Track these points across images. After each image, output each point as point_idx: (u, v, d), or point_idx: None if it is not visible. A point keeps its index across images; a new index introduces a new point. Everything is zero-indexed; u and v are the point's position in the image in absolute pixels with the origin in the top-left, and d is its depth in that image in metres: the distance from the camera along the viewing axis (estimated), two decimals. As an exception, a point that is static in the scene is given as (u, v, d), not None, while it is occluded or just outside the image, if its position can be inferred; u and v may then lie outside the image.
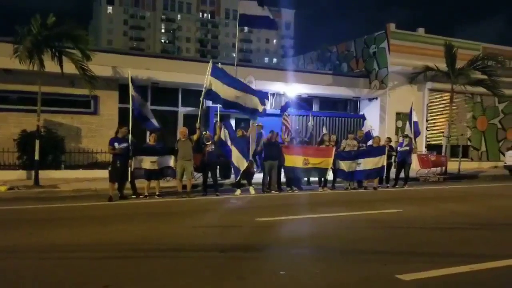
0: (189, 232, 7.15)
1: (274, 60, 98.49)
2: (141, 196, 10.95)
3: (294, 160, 12.63)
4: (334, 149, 12.88)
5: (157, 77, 15.95)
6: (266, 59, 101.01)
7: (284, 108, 14.50)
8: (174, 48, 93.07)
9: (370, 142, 14.31)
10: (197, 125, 11.39)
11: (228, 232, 7.31)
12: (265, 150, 12.55)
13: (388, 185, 14.11)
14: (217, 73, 11.63)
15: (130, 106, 11.47)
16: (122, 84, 16.26)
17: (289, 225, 7.98)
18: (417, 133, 15.71)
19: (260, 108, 12.22)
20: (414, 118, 15.83)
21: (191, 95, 16.44)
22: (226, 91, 11.60)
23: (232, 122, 18.12)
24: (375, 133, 19.21)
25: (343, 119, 19.67)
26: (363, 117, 20.21)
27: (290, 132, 14.10)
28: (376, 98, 20.08)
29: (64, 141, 14.37)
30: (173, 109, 17.39)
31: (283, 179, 13.03)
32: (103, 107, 15.78)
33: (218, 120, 12.46)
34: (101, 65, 14.43)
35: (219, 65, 12.20)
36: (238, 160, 11.96)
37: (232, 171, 12.58)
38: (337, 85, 19.41)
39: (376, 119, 19.85)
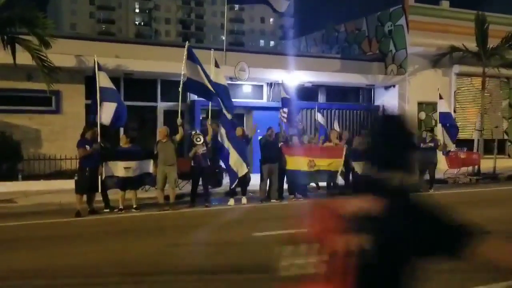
0: (171, 252, 7.17)
1: (272, 43, 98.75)
2: (115, 210, 10.94)
3: (297, 162, 12.63)
4: (345, 148, 12.88)
5: (130, 66, 15.90)
6: (262, 42, 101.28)
7: (285, 102, 14.50)
8: (151, 31, 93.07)
9: None
10: (178, 122, 11.38)
11: (219, 251, 7.31)
12: (262, 151, 12.56)
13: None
14: (194, 58, 11.65)
15: (98, 100, 11.42)
16: (89, 76, 16.17)
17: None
18: (452, 129, 15.63)
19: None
20: (442, 107, 15.85)
21: (173, 87, 16.35)
22: (201, 75, 11.63)
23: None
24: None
25: (354, 111, 19.72)
26: (378, 109, 20.31)
27: (290, 127, 14.11)
28: (394, 86, 20.11)
29: (20, 146, 14.32)
30: (151, 104, 17.37)
31: (285, 185, 13.04)
32: (67, 104, 15.74)
33: (210, 117, 12.43)
34: (63, 54, 14.38)
35: (213, 53, 12.23)
36: (237, 164, 11.98)
37: (226, 177, 12.57)
38: (346, 71, 19.42)
39: (393, 111, 19.76)
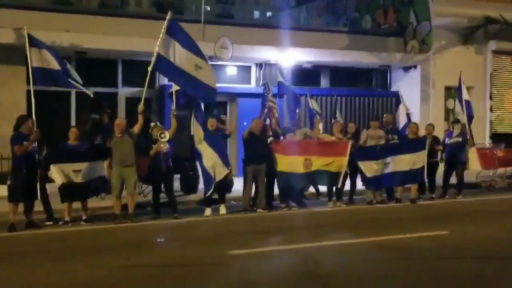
0: (125, 275, 7.10)
1: (269, 14, 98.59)
2: (60, 223, 10.87)
3: (291, 162, 12.58)
4: (350, 143, 12.83)
5: (83, 42, 15.74)
6: (257, 14, 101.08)
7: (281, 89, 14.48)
8: (117, 0, 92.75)
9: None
10: (140, 108, 11.29)
11: (185, 273, 7.25)
12: (246, 148, 12.49)
13: (433, 195, 14.13)
14: (176, 32, 11.56)
15: (32, 85, 11.36)
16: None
17: (277, 258, 7.99)
18: (469, 117, 15.66)
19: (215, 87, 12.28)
20: (465, 95, 15.82)
21: (138, 69, 16.25)
22: (183, 58, 11.54)
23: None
24: (413, 118, 19.43)
25: (366, 98, 19.66)
26: (396, 95, 20.21)
27: (278, 120, 14.08)
28: (415, 67, 20.04)
29: None
30: (110, 90, 17.26)
31: (276, 190, 13.05)
32: (3, 91, 15.60)
33: (174, 106, 12.35)
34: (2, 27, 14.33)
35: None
36: (214, 164, 11.92)
37: (201, 180, 12.51)
38: (355, 49, 19.33)
39: (415, 98, 19.83)
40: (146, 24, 16.41)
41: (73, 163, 10.82)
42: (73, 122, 17.00)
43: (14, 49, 15.32)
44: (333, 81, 20.11)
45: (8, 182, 10.48)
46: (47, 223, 10.95)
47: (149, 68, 11.43)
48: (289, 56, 17.63)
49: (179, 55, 11.52)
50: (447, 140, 14.45)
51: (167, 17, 11.57)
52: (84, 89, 12.57)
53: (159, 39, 11.37)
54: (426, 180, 13.74)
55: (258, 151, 12.34)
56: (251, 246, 8.63)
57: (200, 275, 7.14)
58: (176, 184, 14.04)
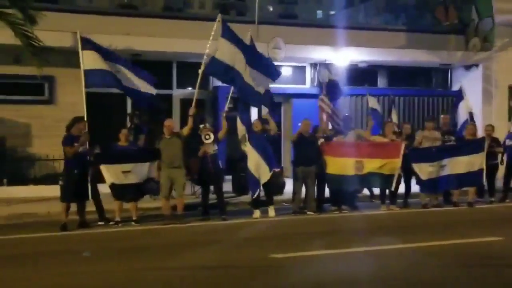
0: (156, 277, 7.15)
1: (332, 13, 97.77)
2: (111, 223, 11.07)
3: (341, 164, 12.39)
4: (403, 144, 12.53)
5: (138, 45, 15.98)
6: (319, 13, 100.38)
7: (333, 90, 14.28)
8: (181, 3, 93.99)
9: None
10: (190, 111, 11.40)
11: (222, 275, 7.22)
12: (295, 150, 12.39)
13: (493, 199, 13.66)
14: (229, 35, 11.62)
15: (83, 88, 11.54)
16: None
17: (318, 263, 7.87)
18: None
19: (262, 89, 12.22)
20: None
21: (192, 70, 16.38)
22: (238, 61, 11.56)
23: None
24: (475, 119, 18.85)
25: (425, 98, 19.19)
26: (459, 95, 19.65)
27: (332, 119, 13.86)
28: (477, 66, 19.48)
29: (5, 144, 14.67)
30: (165, 92, 17.41)
31: (327, 193, 12.87)
32: (62, 93, 15.99)
33: (226, 108, 12.40)
34: (57, 31, 14.65)
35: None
36: (258, 167, 11.89)
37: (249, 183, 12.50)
38: (414, 47, 18.87)
39: (477, 97, 19.22)
40: (200, 25, 16.47)
41: (123, 164, 10.96)
42: (129, 124, 17.37)
43: (73, 53, 15.69)
44: (391, 81, 19.73)
45: (60, 183, 10.78)
46: (99, 223, 11.17)
47: (200, 71, 11.52)
48: (343, 56, 17.40)
49: (234, 57, 11.55)
50: (508, 142, 13.92)
51: (217, 19, 11.59)
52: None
53: (210, 41, 11.42)
54: (485, 183, 13.28)
55: (307, 153, 12.21)
56: (294, 250, 8.52)
57: (235, 278, 7.10)
58: (229, 185, 14.14)
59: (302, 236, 9.90)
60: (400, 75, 19.82)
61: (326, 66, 16.78)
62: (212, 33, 11.50)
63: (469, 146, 13.01)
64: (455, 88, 20.08)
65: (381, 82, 19.71)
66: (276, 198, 13.19)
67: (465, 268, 7.54)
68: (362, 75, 18.89)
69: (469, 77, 19.74)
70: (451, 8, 20.90)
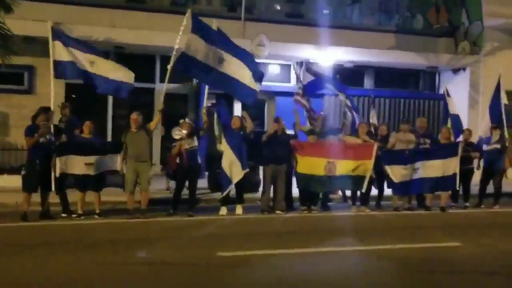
0: (106, 270, 7.08)
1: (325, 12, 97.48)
2: (73, 215, 10.96)
3: (312, 163, 12.20)
4: (375, 146, 12.35)
5: (121, 38, 15.86)
6: (326, 12, 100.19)
7: (310, 87, 14.09)
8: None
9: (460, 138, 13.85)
10: (159, 106, 11.34)
11: (158, 273, 7.11)
12: (266, 148, 12.22)
13: (467, 204, 13.47)
14: (199, 27, 11.43)
15: (52, 76, 11.50)
16: (71, 49, 16.43)
17: (268, 263, 7.71)
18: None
19: (257, 87, 11.96)
20: (504, 99, 15.00)
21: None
22: (208, 54, 11.39)
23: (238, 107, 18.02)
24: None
25: (411, 100, 19.01)
26: (443, 98, 19.52)
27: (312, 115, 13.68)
28: (464, 69, 19.27)
29: (-17, 133, 14.61)
30: (148, 85, 17.34)
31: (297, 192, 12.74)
32: (42, 83, 15.82)
33: (205, 104, 12.27)
34: (36, 21, 14.53)
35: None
36: (231, 166, 11.79)
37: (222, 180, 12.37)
38: (404, 49, 18.67)
39: (464, 101, 19.10)
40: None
41: (85, 156, 10.85)
42: (110, 116, 17.28)
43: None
44: (377, 82, 19.57)
45: (22, 172, 10.65)
46: (62, 215, 11.03)
47: (169, 66, 11.37)
48: (328, 55, 17.24)
49: (204, 51, 11.37)
50: (485, 147, 13.75)
51: (186, 14, 11.42)
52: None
53: (180, 35, 11.26)
54: (460, 188, 13.13)
55: (278, 152, 12.05)
56: (245, 248, 8.39)
57: (176, 275, 6.99)
58: (205, 182, 14.02)
59: (259, 235, 9.76)
60: (387, 77, 19.67)
61: (307, 64, 16.58)
62: (182, 27, 11.29)
63: (443, 150, 12.81)
64: (442, 91, 19.92)
65: (368, 83, 19.53)
66: (253, 196, 13.22)
67: (407, 272, 7.41)
68: (349, 76, 18.73)
69: (456, 80, 19.61)
70: (442, 10, 20.71)
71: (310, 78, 15.48)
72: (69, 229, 10.19)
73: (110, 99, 17.00)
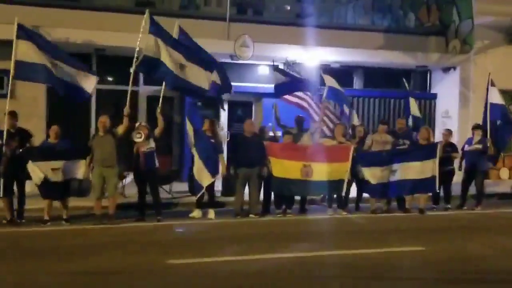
0: (43, 280, 6.93)
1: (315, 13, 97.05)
2: (48, 223, 10.74)
3: (287, 167, 11.94)
4: (352, 147, 12.09)
5: (102, 40, 15.70)
6: (313, 12, 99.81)
7: (282, 88, 13.82)
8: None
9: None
10: (125, 110, 11.11)
11: (101, 281, 6.91)
12: (237, 151, 12.01)
13: (449, 206, 13.18)
14: (157, 29, 11.24)
15: (11, 76, 11.17)
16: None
17: (218, 270, 7.51)
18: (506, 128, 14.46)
19: (206, 84, 11.69)
20: (495, 98, 14.60)
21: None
22: (170, 58, 11.18)
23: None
24: (450, 122, 18.35)
25: (400, 101, 18.70)
26: (434, 98, 19.19)
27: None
28: (454, 68, 18.93)
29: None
30: (132, 88, 17.11)
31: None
32: (22, 87, 15.69)
33: (160, 104, 12.02)
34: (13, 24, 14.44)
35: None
36: (199, 171, 11.60)
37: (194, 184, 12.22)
38: (394, 48, 18.30)
39: (454, 101, 18.81)
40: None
41: (51, 161, 10.63)
42: (93, 119, 17.11)
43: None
44: (367, 82, 19.24)
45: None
46: (3, 221, 10.73)
47: (131, 70, 11.18)
48: (313, 55, 16.99)
49: (162, 53, 11.18)
50: (466, 147, 13.44)
51: (145, 14, 11.21)
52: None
53: (140, 36, 11.08)
54: (440, 189, 12.84)
55: (251, 154, 11.75)
56: (199, 255, 8.20)
57: (123, 283, 6.86)
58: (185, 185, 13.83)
59: (220, 240, 9.54)
60: (377, 77, 19.33)
61: (275, 66, 16.22)
62: (141, 29, 11.11)
63: (421, 151, 12.53)
64: (434, 90, 19.63)
65: (357, 83, 19.23)
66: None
67: (350, 279, 7.21)
68: (336, 76, 18.44)
69: (447, 79, 19.29)
70: (433, 8, 20.40)
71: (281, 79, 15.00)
72: (29, 236, 9.96)
73: (94, 102, 16.82)
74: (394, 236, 10.05)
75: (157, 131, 11.47)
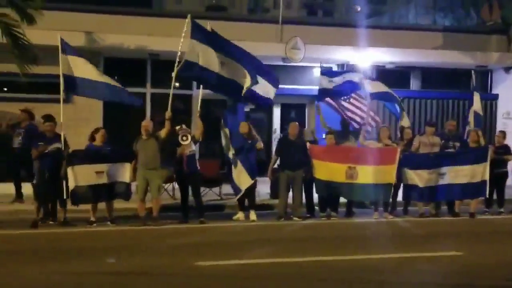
0: (74, 280, 7.10)
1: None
2: (94, 224, 11.03)
3: (331, 169, 11.84)
4: (398, 150, 11.85)
5: (154, 45, 15.99)
6: (366, 13, 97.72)
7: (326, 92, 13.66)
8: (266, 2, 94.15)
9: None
10: (166, 114, 11.26)
11: (125, 282, 7.06)
12: (280, 154, 12.00)
13: (502, 210, 12.72)
14: (200, 35, 11.34)
15: (61, 86, 11.53)
16: (109, 58, 16.73)
17: (244, 274, 7.48)
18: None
19: (272, 93, 11.87)
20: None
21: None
22: (212, 60, 11.28)
23: (278, 112, 17.80)
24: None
25: (460, 102, 18.20)
26: (496, 98, 18.56)
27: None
28: (515, 68, 18.27)
29: (20, 142, 15.00)
30: (185, 92, 17.36)
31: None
32: (79, 92, 16.25)
33: (199, 108, 12.14)
34: (69, 31, 14.92)
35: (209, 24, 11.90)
36: (239, 174, 11.69)
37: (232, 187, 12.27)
38: (449, 48, 17.85)
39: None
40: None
41: (96, 164, 10.92)
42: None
43: (90, 53, 15.90)
44: (425, 83, 18.79)
45: (33, 181, 10.89)
46: (51, 222, 11.11)
47: (173, 74, 11.32)
48: (366, 56, 16.75)
49: (205, 56, 11.26)
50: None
51: (187, 20, 11.32)
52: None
53: (182, 40, 11.22)
54: (493, 192, 12.51)
55: (294, 157, 11.75)
56: (228, 257, 8.18)
57: (150, 284, 6.98)
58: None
59: (255, 243, 9.52)
60: (435, 77, 18.84)
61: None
62: (183, 34, 11.23)
63: (471, 154, 12.16)
64: (495, 91, 18.97)
65: (414, 84, 18.81)
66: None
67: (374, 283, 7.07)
68: (392, 77, 18.15)
69: (508, 79, 18.59)
70: (495, 6, 19.75)
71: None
72: (78, 236, 10.29)
73: (148, 105, 17.18)
74: (441, 240, 9.89)
75: (197, 134, 11.61)
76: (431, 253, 8.64)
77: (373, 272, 7.57)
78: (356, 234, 10.61)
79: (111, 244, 9.46)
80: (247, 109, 15.17)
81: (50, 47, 12.27)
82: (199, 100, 12.21)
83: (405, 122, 14.01)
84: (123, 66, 16.77)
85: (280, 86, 16.94)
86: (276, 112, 18.11)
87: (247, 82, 11.59)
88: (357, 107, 13.69)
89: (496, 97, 18.71)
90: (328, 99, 14.01)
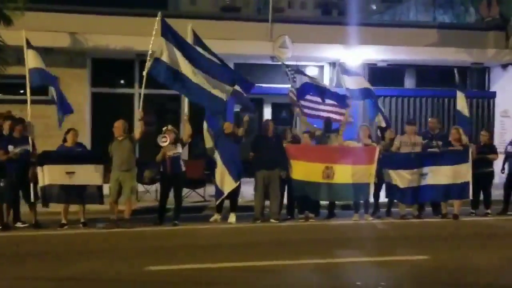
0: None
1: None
2: (65, 226, 10.86)
3: (308, 169, 11.54)
4: (377, 149, 11.56)
5: (141, 46, 15.81)
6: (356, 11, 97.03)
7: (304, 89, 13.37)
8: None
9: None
10: (139, 114, 11.11)
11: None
12: (256, 152, 11.70)
13: (489, 211, 12.34)
14: (170, 33, 11.11)
15: (28, 84, 11.48)
16: (97, 59, 16.63)
17: (193, 279, 7.26)
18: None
19: (224, 95, 11.34)
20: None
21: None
22: (182, 64, 11.03)
23: (269, 111, 17.53)
24: (510, 122, 17.35)
25: (454, 100, 17.81)
26: (493, 96, 18.15)
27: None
28: (512, 65, 17.87)
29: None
30: (176, 93, 17.20)
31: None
32: (66, 93, 16.10)
33: (185, 110, 11.96)
34: (55, 31, 14.88)
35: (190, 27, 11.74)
36: (223, 176, 11.44)
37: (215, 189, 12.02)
38: (443, 45, 17.48)
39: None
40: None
41: (67, 165, 10.75)
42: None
43: (76, 54, 15.88)
44: (419, 81, 18.46)
45: (1, 184, 10.73)
46: (20, 225, 10.94)
47: (144, 73, 11.09)
48: (356, 54, 16.45)
49: (175, 58, 11.02)
50: (509, 148, 12.53)
51: (157, 17, 11.09)
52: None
53: (153, 38, 11.00)
54: (478, 193, 12.19)
55: (270, 155, 11.45)
56: (180, 262, 7.97)
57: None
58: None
59: (218, 247, 9.26)
60: (430, 75, 18.51)
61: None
62: (154, 32, 11.01)
63: (452, 155, 11.78)
64: (493, 89, 18.55)
65: (409, 82, 18.48)
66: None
67: None
68: (385, 75, 17.85)
69: (506, 77, 18.21)
70: (494, 2, 19.35)
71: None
72: (39, 240, 10.06)
73: (136, 106, 17.01)
74: (412, 243, 9.62)
75: (184, 136, 11.46)
76: (394, 257, 8.41)
77: (322, 277, 7.37)
78: (324, 238, 10.26)
79: (69, 248, 9.27)
80: (237, 108, 14.90)
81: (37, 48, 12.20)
82: (186, 102, 12.01)
83: (381, 122, 13.57)
84: (111, 66, 16.71)
85: (271, 85, 17.00)
86: (267, 111, 17.85)
87: (226, 91, 11.34)
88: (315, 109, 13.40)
89: (493, 95, 18.35)
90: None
